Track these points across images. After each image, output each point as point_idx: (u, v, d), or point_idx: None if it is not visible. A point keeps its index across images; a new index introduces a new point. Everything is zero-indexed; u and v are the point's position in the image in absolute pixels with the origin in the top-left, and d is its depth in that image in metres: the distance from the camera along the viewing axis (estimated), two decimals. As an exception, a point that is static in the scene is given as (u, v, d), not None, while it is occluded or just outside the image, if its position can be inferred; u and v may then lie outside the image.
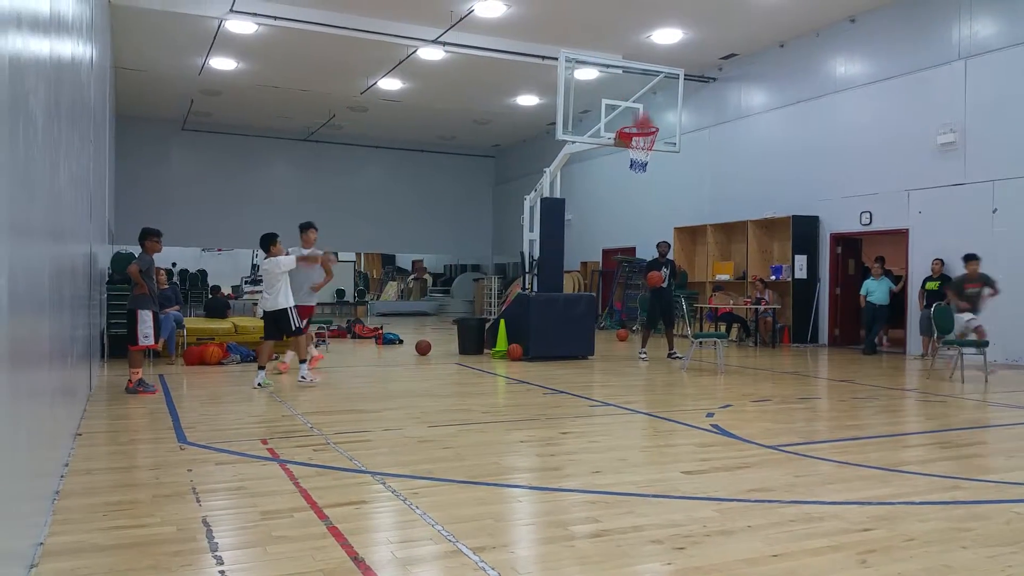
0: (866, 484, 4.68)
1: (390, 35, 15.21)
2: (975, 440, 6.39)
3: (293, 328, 8.87)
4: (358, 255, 30.26)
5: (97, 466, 4.97)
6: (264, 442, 5.67)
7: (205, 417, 6.81)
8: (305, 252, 9.35)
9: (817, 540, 3.60)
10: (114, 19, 14.22)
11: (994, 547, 3.53)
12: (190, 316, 16.64)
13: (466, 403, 7.95)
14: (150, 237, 8.29)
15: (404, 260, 32.40)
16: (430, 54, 16.61)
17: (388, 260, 32.68)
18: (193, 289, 25.76)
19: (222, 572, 3.17)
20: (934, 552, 3.45)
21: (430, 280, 30.84)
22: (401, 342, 14.87)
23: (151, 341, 8.19)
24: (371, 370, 11.14)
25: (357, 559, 3.28)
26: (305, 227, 9.81)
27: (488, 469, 5.00)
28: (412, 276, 30.78)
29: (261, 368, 8.68)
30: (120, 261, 11.95)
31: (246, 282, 26.20)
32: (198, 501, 4.14)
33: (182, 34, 15.79)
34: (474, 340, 12.86)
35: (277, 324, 8.81)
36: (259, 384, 8.46)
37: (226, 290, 22.34)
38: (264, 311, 8.87)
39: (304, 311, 9.51)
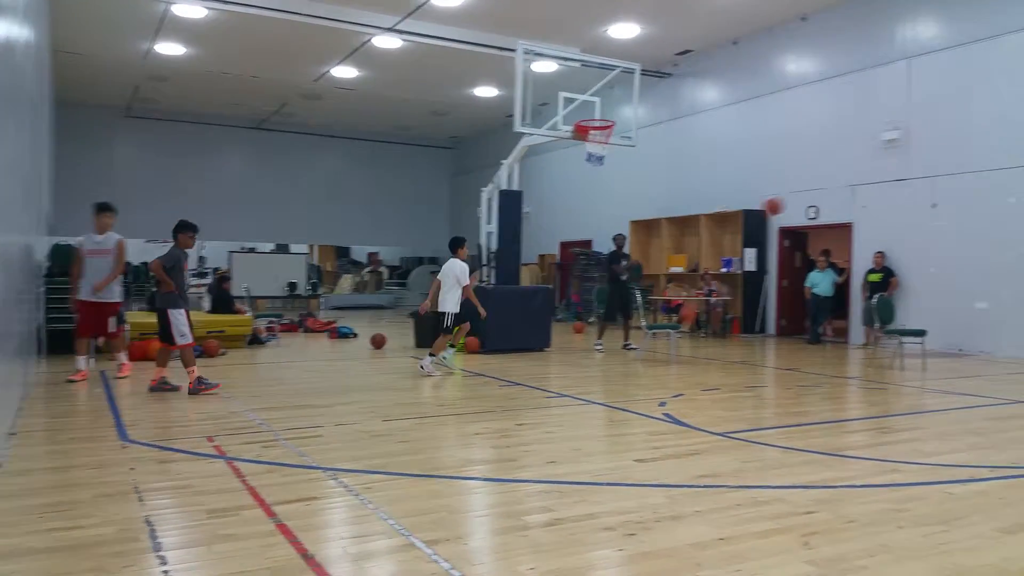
0: (810, 468, 4.83)
1: (345, 22, 15.02)
2: (913, 425, 6.63)
3: (443, 327, 9.41)
4: (311, 247, 29.90)
5: (34, 466, 4.84)
6: (210, 439, 5.57)
7: (149, 414, 6.67)
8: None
9: (763, 523, 3.71)
10: (53, 0, 13.79)
11: (929, 526, 3.68)
12: (132, 310, 16.29)
13: (421, 396, 7.95)
14: (184, 231, 7.71)
15: (359, 253, 32.12)
16: (386, 42, 16.48)
17: (343, 253, 32.35)
18: (136, 282, 25.12)
19: (165, 572, 3.12)
20: (873, 533, 3.59)
21: (386, 273, 30.61)
22: (355, 336, 14.76)
23: (190, 339, 7.70)
24: (324, 364, 11.04)
25: (307, 556, 3.26)
26: (99, 209, 8.69)
27: (443, 462, 5.03)
28: (368, 269, 30.53)
29: (432, 355, 9.37)
30: (59, 253, 11.48)
31: (193, 274, 25.73)
32: (141, 500, 4.04)
33: (126, 17, 15.38)
34: (430, 333, 12.79)
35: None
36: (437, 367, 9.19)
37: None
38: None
39: (94, 308, 8.50)
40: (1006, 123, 11.65)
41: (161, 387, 7.74)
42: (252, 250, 25.76)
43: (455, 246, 9.70)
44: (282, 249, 27.42)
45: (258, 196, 25.62)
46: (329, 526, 3.79)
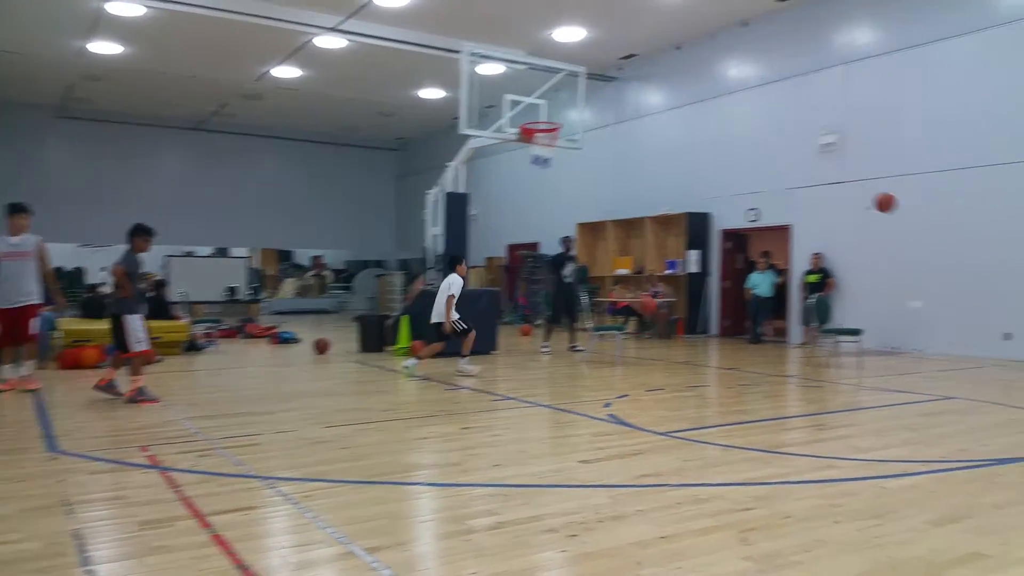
0: (749, 466, 4.91)
1: (286, 21, 14.76)
2: (849, 422, 6.81)
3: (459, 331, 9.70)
4: (252, 251, 29.36)
5: (-45, 480, 4.62)
6: (144, 449, 5.40)
7: (80, 424, 6.44)
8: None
9: (702, 521, 3.75)
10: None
11: (863, 520, 3.77)
12: (64, 316, 15.77)
13: (365, 402, 7.85)
14: (140, 235, 7.52)
15: (303, 256, 31.66)
16: (329, 42, 16.27)
17: (285, 256, 31.81)
18: (69, 288, 24.34)
19: (95, 586, 3.01)
20: (809, 528, 3.65)
21: (331, 277, 30.24)
22: (298, 341, 14.53)
23: (145, 346, 7.52)
24: (264, 371, 10.85)
25: (243, 567, 3.18)
26: (12, 210, 8.19)
27: (386, 468, 4.97)
28: (311, 273, 30.12)
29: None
30: None
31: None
32: (69, 513, 3.89)
33: (58, 14, 14.84)
34: (375, 337, 12.70)
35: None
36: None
37: (105, 288, 21.24)
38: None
39: (12, 313, 8.10)
40: (938, 128, 12.02)
41: (107, 389, 7.51)
42: (190, 254, 25.18)
43: (454, 263, 10.02)
44: (221, 253, 26.84)
45: (197, 199, 25.03)
46: (267, 536, 3.70)
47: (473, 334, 9.92)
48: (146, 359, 7.81)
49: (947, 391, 8.22)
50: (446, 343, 9.89)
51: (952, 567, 3.19)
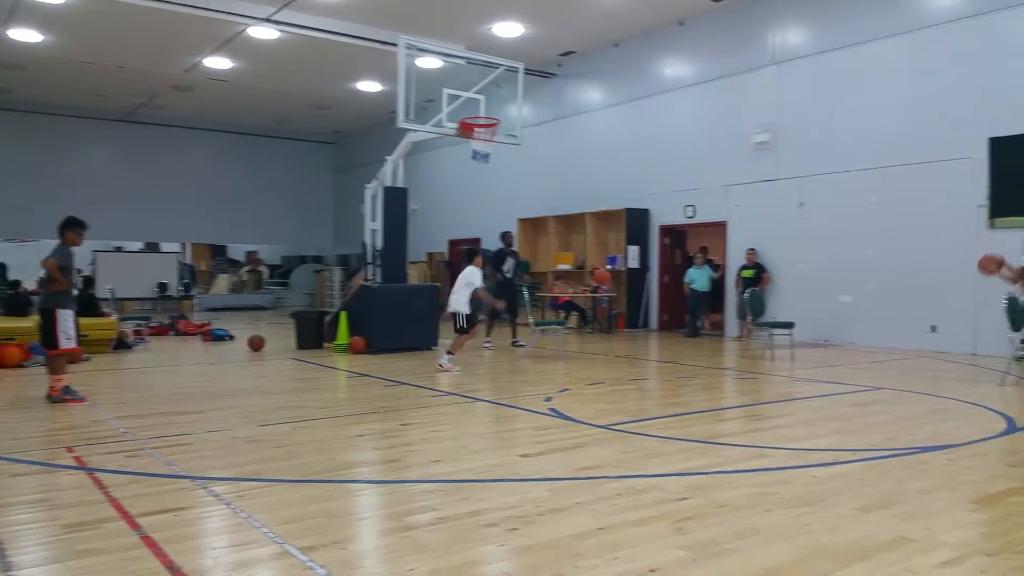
0: (686, 456, 4.99)
1: (217, 11, 14.40)
2: (782, 412, 6.96)
3: (457, 327, 9.72)
4: (183, 246, 28.60)
5: None
6: (70, 450, 5.23)
7: (3, 425, 6.18)
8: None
9: (640, 511, 3.80)
10: None
11: (795, 508, 3.86)
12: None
13: (302, 399, 7.70)
14: (72, 228, 7.31)
15: (237, 251, 30.97)
16: (262, 33, 15.94)
17: (219, 251, 31.07)
18: (-10, 283, 23.40)
19: (17, 592, 2.90)
20: (743, 516, 3.73)
21: (266, 272, 29.66)
22: (232, 338, 14.21)
23: (74, 343, 7.26)
24: (196, 369, 10.57)
25: (174, 568, 3.10)
26: None
27: (322, 466, 4.88)
28: (246, 268, 29.50)
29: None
30: None
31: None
32: (-7, 517, 3.76)
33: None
34: (313, 334, 12.51)
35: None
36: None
37: (29, 285, 20.44)
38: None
39: None
40: (866, 126, 12.39)
41: (63, 397, 7.16)
42: (119, 249, 24.39)
43: (471, 256, 10.22)
44: (152, 248, 26.06)
45: (126, 192, 24.29)
46: (198, 537, 3.60)
47: (470, 335, 10.04)
48: (73, 357, 7.53)
49: (876, 382, 8.48)
50: (472, 331, 10.12)
51: (880, 552, 3.28)
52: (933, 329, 11.54)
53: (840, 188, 12.71)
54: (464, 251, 10.58)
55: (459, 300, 9.78)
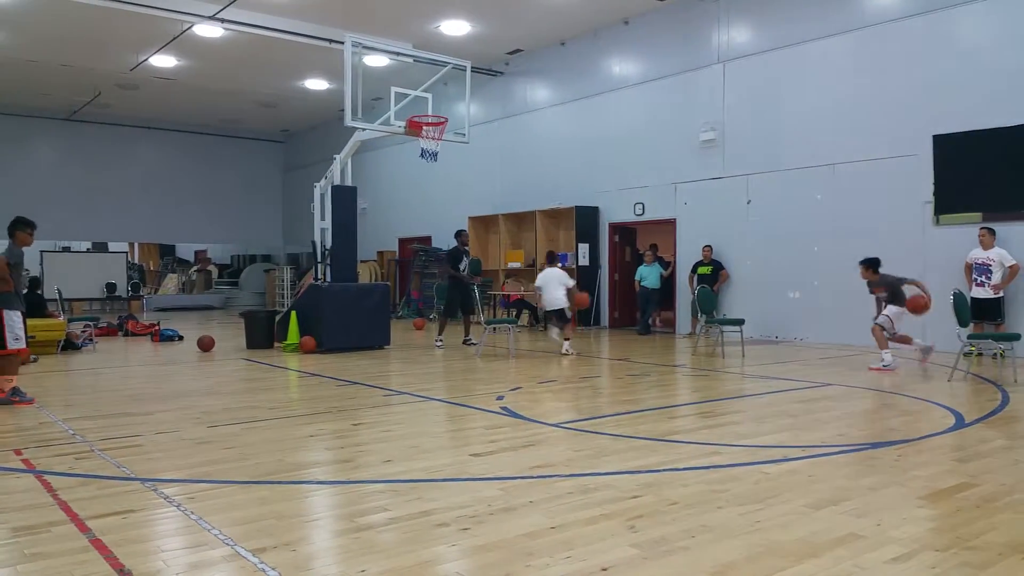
0: (637, 454, 5.05)
1: (161, 9, 14.11)
2: (732, 409, 7.08)
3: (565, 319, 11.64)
4: (131, 245, 28.00)
5: None
6: (18, 452, 5.14)
7: (-54, 429, 6.04)
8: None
9: (591, 510, 3.83)
10: None
11: (745, 505, 3.91)
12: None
13: (252, 400, 7.62)
14: (21, 227, 7.28)
15: (186, 251, 30.41)
16: (207, 31, 15.68)
17: (167, 251, 30.50)
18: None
19: (-39, 600, 2.84)
20: (694, 513, 3.78)
21: (215, 271, 29.18)
22: (181, 338, 13.98)
23: (23, 344, 7.14)
24: (145, 370, 10.38)
25: (123, 571, 3.06)
26: None
27: (273, 467, 4.84)
28: (195, 268, 28.98)
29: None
30: None
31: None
32: (-66, 523, 3.68)
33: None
34: (263, 333, 12.37)
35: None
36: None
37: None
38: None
39: None
40: (811, 125, 12.64)
41: (11, 399, 7.00)
42: (66, 249, 23.83)
43: (552, 259, 12.18)
44: (99, 248, 25.51)
45: (72, 192, 23.69)
46: (148, 539, 3.54)
47: (572, 322, 12.36)
48: (21, 358, 7.36)
49: (825, 378, 8.63)
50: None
51: (830, 548, 3.33)
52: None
53: (786, 185, 12.97)
54: (548, 255, 12.56)
55: (558, 298, 11.40)
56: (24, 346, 7.25)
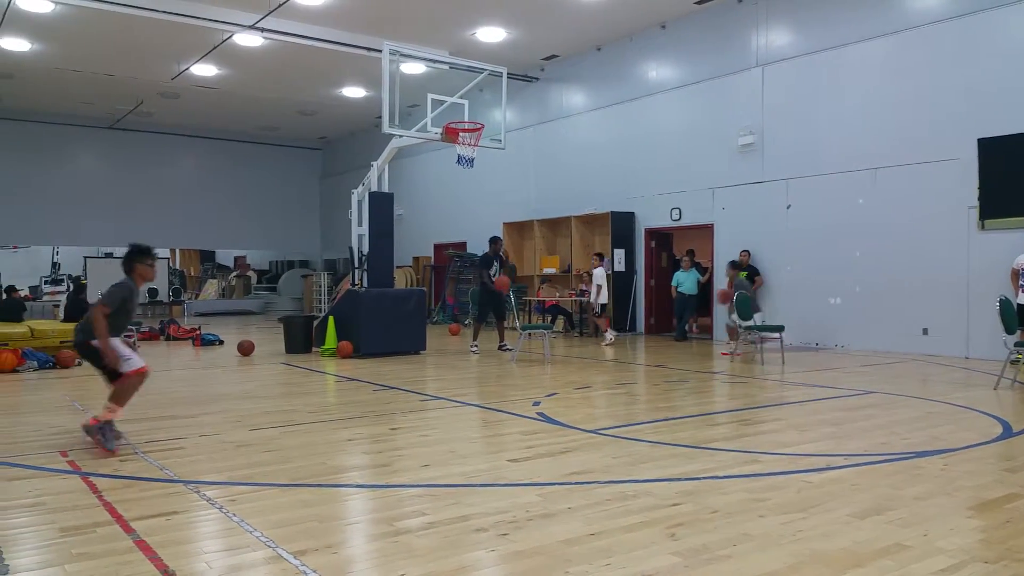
0: (676, 461, 4.99)
1: (203, 19, 14.43)
2: (773, 417, 6.96)
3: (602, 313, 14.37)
4: (173, 251, 28.54)
5: None
6: (64, 454, 5.24)
7: (-2, 430, 6.19)
8: None
9: (631, 517, 3.79)
10: None
11: (788, 514, 3.84)
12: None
13: (292, 403, 7.70)
14: (141, 259, 5.84)
15: (226, 257, 30.91)
16: (247, 40, 15.94)
17: (207, 256, 31.04)
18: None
19: (14, 596, 2.90)
20: (735, 522, 3.72)
21: (255, 277, 29.61)
22: (221, 343, 14.18)
23: (139, 363, 5.94)
24: (187, 373, 10.54)
25: (167, 572, 3.10)
26: None
27: (313, 470, 4.88)
28: (234, 273, 29.43)
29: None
30: None
31: (46, 282, 24.06)
32: (-13, 522, 3.77)
33: (-38, 9, 14.23)
34: (301, 338, 12.50)
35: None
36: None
37: (23, 291, 20.39)
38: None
39: None
40: (852, 128, 12.47)
41: (95, 434, 6.91)
42: (109, 255, 24.37)
43: (602, 258, 14.59)
44: (141, 254, 25.99)
45: (115, 199, 24.24)
46: (191, 541, 3.59)
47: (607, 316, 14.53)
48: (135, 384, 6.49)
49: (868, 386, 8.47)
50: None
51: (876, 558, 3.25)
52: (925, 332, 11.59)
53: (827, 190, 12.79)
54: (595, 256, 14.62)
55: (604, 295, 14.21)
56: (140, 365, 5.60)
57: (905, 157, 11.79)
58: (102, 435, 5.37)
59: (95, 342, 5.51)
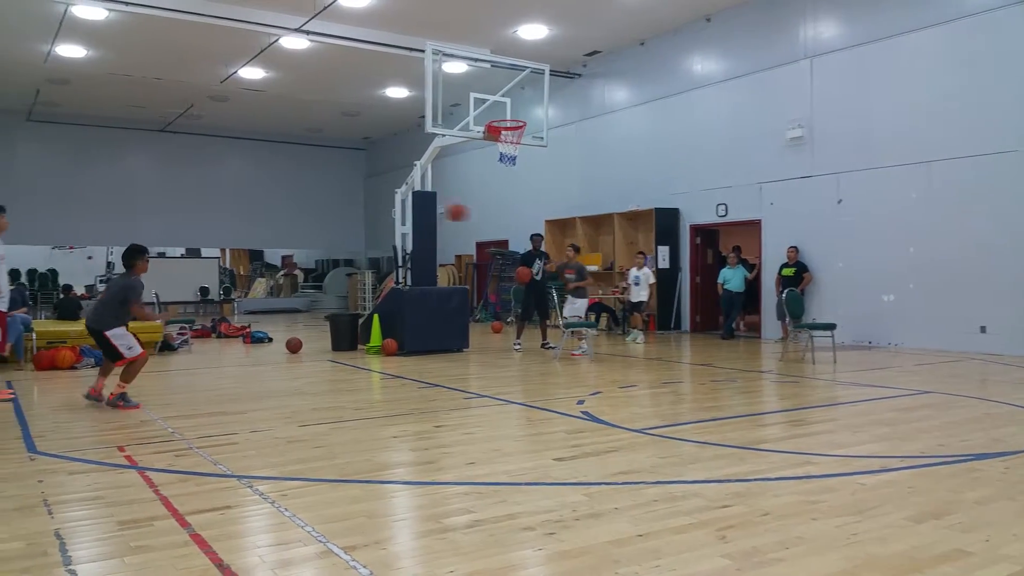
0: (725, 462, 4.92)
1: (250, 23, 14.66)
2: (825, 417, 6.82)
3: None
4: (223, 251, 29.12)
5: (-67, 483, 4.55)
6: (121, 449, 5.38)
7: (57, 425, 6.38)
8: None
9: (680, 518, 3.75)
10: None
11: (842, 517, 3.75)
12: (40, 318, 15.56)
13: (339, 400, 7.80)
14: (139, 257, 7.29)
15: (273, 256, 31.42)
16: (294, 43, 16.16)
17: (256, 256, 31.64)
18: (43, 289, 24.09)
19: (75, 588, 2.98)
20: (787, 525, 3.65)
21: (301, 276, 30.06)
22: (270, 340, 14.42)
23: (138, 350, 7.24)
24: (238, 370, 10.75)
25: (222, 566, 3.16)
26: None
27: (361, 466, 4.93)
28: (282, 272, 29.91)
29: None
30: None
31: (101, 281, 24.71)
32: (50, 513, 3.89)
33: (23, 18, 14.72)
34: (347, 336, 12.64)
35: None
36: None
37: (79, 290, 20.99)
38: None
39: None
40: (905, 121, 12.14)
41: (116, 403, 7.26)
42: (162, 255, 24.99)
43: (645, 258, 14.66)
44: (193, 254, 26.68)
45: (167, 200, 24.82)
46: (245, 535, 3.66)
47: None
48: (138, 368, 7.37)
49: (923, 385, 8.24)
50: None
51: (935, 564, 3.16)
52: (983, 330, 11.22)
53: (879, 184, 12.49)
54: (639, 254, 14.61)
55: (643, 293, 14.03)
56: (141, 351, 7.23)
57: (961, 149, 11.46)
58: (123, 400, 7.10)
59: (107, 332, 7.08)
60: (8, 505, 4.05)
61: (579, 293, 11.88)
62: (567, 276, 11.99)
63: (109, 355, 7.31)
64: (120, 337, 7.18)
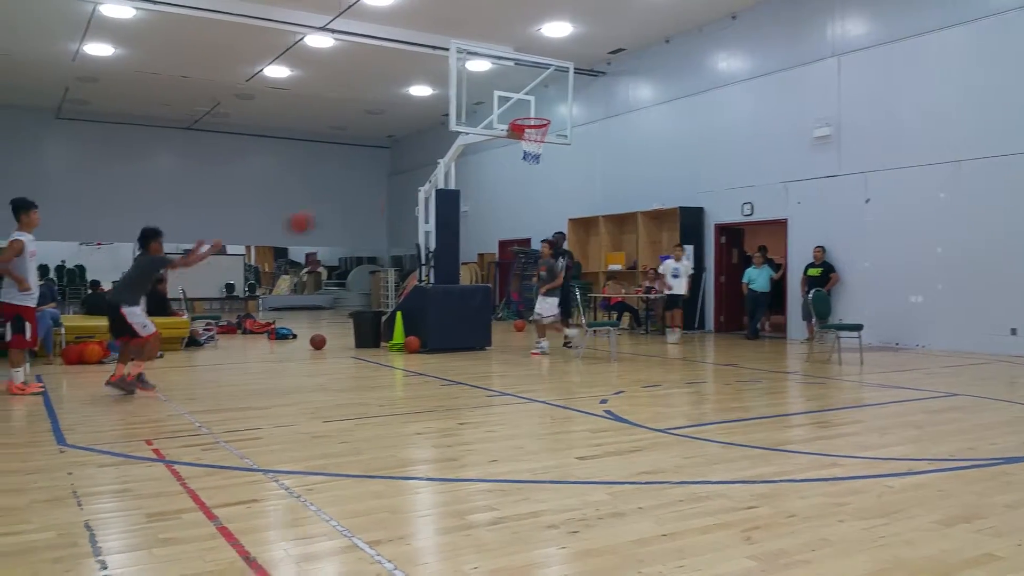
0: (750, 463, 4.88)
1: (276, 21, 14.78)
2: (852, 419, 6.75)
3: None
4: (248, 248, 29.35)
5: (-35, 474, 4.64)
6: (149, 443, 5.44)
7: (86, 418, 6.47)
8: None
9: (704, 519, 3.72)
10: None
11: (868, 519, 3.71)
12: (68, 313, 15.79)
13: (362, 397, 7.85)
14: (154, 238, 7.86)
15: (297, 253, 31.63)
16: (318, 41, 16.26)
17: (280, 253, 31.86)
18: (71, 285, 24.46)
19: (105, 578, 3.02)
20: (814, 527, 3.61)
21: (325, 273, 30.24)
22: (295, 337, 14.53)
23: (152, 329, 7.58)
24: (263, 366, 10.84)
25: (249, 559, 3.19)
26: (31, 206, 7.56)
27: (385, 462, 4.96)
28: (306, 269, 30.10)
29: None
30: None
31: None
32: (80, 505, 3.95)
33: (52, 17, 14.92)
34: (370, 333, 12.70)
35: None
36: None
37: (106, 285, 21.23)
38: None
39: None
40: (933, 119, 11.98)
41: (134, 385, 7.56)
42: (188, 251, 25.15)
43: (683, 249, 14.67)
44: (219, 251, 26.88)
45: (193, 197, 25.06)
46: (271, 528, 3.70)
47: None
48: (153, 348, 7.80)
49: (952, 387, 8.12)
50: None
51: (965, 568, 3.12)
52: (1013, 332, 11.03)
53: (907, 183, 12.33)
54: (677, 246, 14.55)
55: (680, 286, 14.00)
56: (153, 330, 7.63)
57: (991, 148, 11.28)
58: (141, 382, 7.42)
59: (124, 308, 7.45)
60: (39, 496, 4.11)
61: (551, 292, 11.67)
62: (540, 274, 11.91)
63: (115, 331, 7.78)
64: (135, 315, 7.46)
